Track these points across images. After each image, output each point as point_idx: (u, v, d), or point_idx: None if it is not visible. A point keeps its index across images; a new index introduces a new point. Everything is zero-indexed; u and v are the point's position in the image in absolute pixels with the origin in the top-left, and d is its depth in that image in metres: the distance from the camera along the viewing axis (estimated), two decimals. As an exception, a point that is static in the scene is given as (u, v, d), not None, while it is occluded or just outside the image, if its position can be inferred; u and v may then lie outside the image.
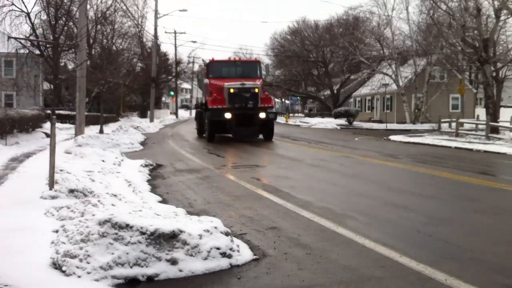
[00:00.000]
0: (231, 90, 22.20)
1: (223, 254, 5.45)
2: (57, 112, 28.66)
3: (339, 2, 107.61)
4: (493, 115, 27.05)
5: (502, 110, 33.51)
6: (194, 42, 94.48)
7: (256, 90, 22.43)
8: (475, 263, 5.45)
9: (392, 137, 27.16)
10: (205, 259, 5.36)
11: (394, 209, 8.40)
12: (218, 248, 5.47)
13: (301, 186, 10.59)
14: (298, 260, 5.57)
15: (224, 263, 5.39)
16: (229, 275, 5.19)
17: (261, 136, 23.79)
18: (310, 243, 6.23)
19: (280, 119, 51.61)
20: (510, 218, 7.78)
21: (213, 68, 24.64)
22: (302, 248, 6.03)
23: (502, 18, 29.03)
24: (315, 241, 6.35)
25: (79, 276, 4.91)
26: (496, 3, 27.36)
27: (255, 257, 5.66)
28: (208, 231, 5.65)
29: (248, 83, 22.65)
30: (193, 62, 77.26)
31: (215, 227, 5.81)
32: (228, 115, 21.88)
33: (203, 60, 26.02)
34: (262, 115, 22.46)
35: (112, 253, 5.12)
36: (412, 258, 5.51)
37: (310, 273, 5.17)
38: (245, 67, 25.49)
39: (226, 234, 5.81)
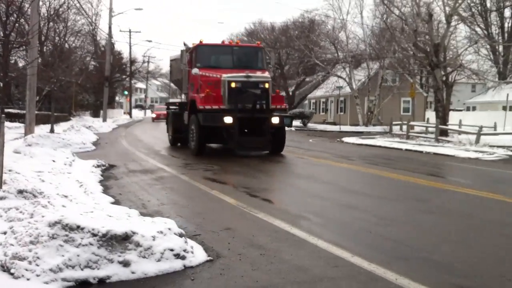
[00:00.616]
0: (233, 85, 16.26)
1: (177, 256, 5.42)
2: (6, 110, 27.89)
3: (295, 5, 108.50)
4: (442, 118, 27.79)
5: (451, 113, 34.50)
6: (149, 41, 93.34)
7: (267, 86, 16.52)
8: (424, 263, 5.58)
9: (346, 139, 27.57)
10: (159, 260, 5.31)
11: (347, 209, 8.53)
12: (171, 250, 5.43)
13: (257, 187, 10.62)
14: (252, 261, 5.58)
15: (177, 264, 5.35)
16: (182, 276, 5.16)
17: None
18: (264, 244, 6.26)
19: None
20: (458, 218, 8.01)
21: (202, 54, 18.19)
22: (256, 248, 6.05)
23: (453, 24, 29.89)
24: (269, 241, 6.38)
25: (28, 279, 4.79)
26: (447, 9, 28.14)
27: (209, 258, 5.64)
28: (161, 232, 5.60)
29: (256, 75, 16.82)
30: (148, 62, 76.61)
31: (169, 228, 5.76)
32: (228, 120, 15.76)
33: (185, 44, 19.22)
34: (275, 120, 16.46)
35: (63, 255, 5.01)
36: (364, 258, 5.61)
37: (264, 274, 5.19)
38: (245, 54, 19.06)
39: (180, 235, 5.77)
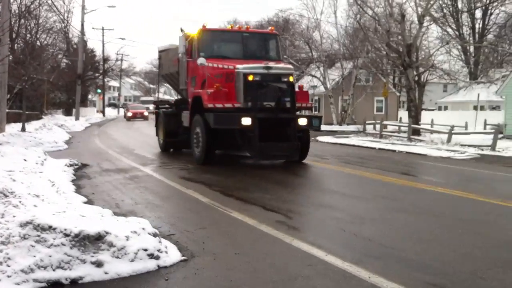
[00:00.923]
0: (251, 78, 13.27)
1: (151, 256, 5.38)
2: (-25, 108, 27.32)
3: (272, 4, 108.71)
4: (415, 117, 28.13)
5: (423, 113, 34.97)
6: (122, 39, 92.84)
7: (291, 79, 13.80)
8: (397, 261, 5.64)
9: (320, 138, 27.69)
10: (132, 261, 5.27)
11: (321, 208, 8.58)
12: (145, 250, 5.40)
13: (237, 187, 10.62)
14: (227, 260, 5.58)
15: (151, 264, 5.31)
16: (156, 276, 5.13)
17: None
18: (239, 243, 6.26)
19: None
20: (430, 217, 8.12)
21: (206, 41, 15.13)
22: (231, 248, 6.05)
23: (425, 24, 30.27)
24: (244, 241, 6.38)
25: (-2, 280, 4.71)
26: (419, 10, 28.46)
27: (183, 258, 5.62)
28: (135, 232, 5.56)
29: (277, 67, 14.00)
30: (121, 60, 75.94)
31: (143, 228, 5.73)
32: (247, 121, 12.85)
33: (182, 30, 15.97)
34: (303, 121, 13.78)
35: (34, 256, 4.94)
36: (338, 257, 5.65)
37: (239, 273, 5.18)
38: (258, 42, 16.06)
39: (154, 235, 5.73)
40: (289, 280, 5.00)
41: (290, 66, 15.60)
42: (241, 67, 13.47)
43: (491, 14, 52.93)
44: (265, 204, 8.72)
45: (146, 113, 53.86)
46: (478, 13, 52.69)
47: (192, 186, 10.43)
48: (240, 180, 11.59)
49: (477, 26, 53.79)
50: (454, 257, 5.80)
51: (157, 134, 18.94)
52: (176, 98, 23.37)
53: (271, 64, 13.69)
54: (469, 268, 5.41)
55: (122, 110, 69.59)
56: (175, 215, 7.76)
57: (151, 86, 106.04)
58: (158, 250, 5.48)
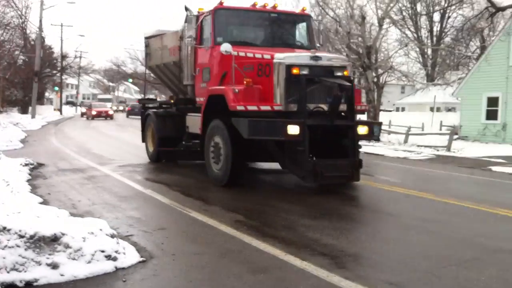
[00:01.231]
0: (296, 71, 9.86)
1: (108, 257, 5.31)
2: None
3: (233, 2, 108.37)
4: (373, 118, 28.55)
5: (381, 114, 35.52)
6: (82, 36, 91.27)
7: (346, 73, 10.40)
8: (355, 260, 5.72)
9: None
10: (89, 262, 5.19)
11: (279, 211, 8.61)
12: (102, 251, 5.32)
13: (197, 187, 10.57)
14: (185, 261, 5.56)
15: (109, 266, 5.24)
16: (114, 278, 5.07)
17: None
18: (199, 244, 6.24)
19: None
20: (387, 216, 8.26)
21: (223, 23, 11.81)
22: (190, 248, 6.03)
23: (385, 26, 30.76)
24: (203, 240, 6.37)
25: None
26: (379, 12, 28.92)
27: (142, 259, 5.56)
28: (92, 233, 5.48)
29: (328, 56, 10.73)
30: (80, 57, 74.69)
31: (100, 229, 5.64)
32: (294, 130, 9.40)
33: (187, 9, 12.06)
34: (363, 129, 10.31)
35: (-13, 258, 4.81)
36: (297, 256, 5.69)
37: (197, 274, 5.17)
38: (288, 26, 12.66)
39: (112, 236, 5.66)
40: (249, 274, 5.02)
41: (343, 56, 11.85)
42: (282, 56, 10.05)
43: (448, 17, 54.32)
44: (224, 204, 8.71)
45: (111, 112, 52.48)
46: (436, 16, 54.00)
47: (151, 186, 10.34)
48: (200, 180, 11.52)
49: (435, 29, 55.06)
50: (410, 256, 5.91)
51: (144, 140, 15.53)
52: (149, 97, 20.06)
53: (320, 53, 10.41)
54: (425, 267, 5.53)
55: (80, 109, 68.13)
56: (133, 216, 7.67)
57: (111, 84, 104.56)
58: (116, 251, 5.42)
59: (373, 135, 10.66)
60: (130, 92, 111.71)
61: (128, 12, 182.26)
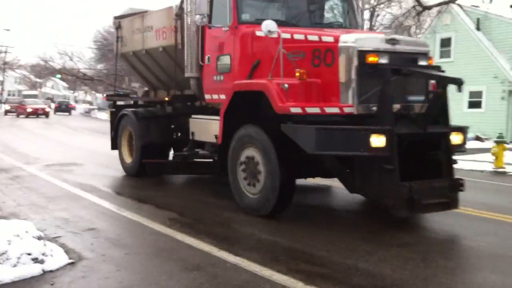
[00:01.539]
0: (373, 59, 6.97)
1: (35, 260, 5.14)
2: None
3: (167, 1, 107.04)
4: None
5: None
6: (7, 30, 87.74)
7: (430, 62, 7.77)
8: (284, 252, 5.81)
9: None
10: (15, 266, 5.00)
11: (213, 208, 8.61)
12: (29, 254, 5.14)
13: (131, 185, 10.38)
14: (116, 261, 5.46)
15: (36, 269, 5.07)
16: (41, 281, 4.91)
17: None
18: (130, 243, 6.16)
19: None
20: (318, 210, 8.42)
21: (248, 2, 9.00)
22: (121, 248, 5.93)
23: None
24: (135, 241, 6.28)
25: None
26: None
27: (70, 261, 5.41)
28: (18, 235, 5.28)
29: (407, 40, 7.80)
30: (5, 52, 71.86)
31: (26, 231, 5.44)
32: (379, 142, 6.57)
33: None
34: (458, 138, 7.68)
35: None
36: (230, 252, 5.73)
37: (128, 274, 5.10)
38: (327, 2, 9.93)
39: (39, 238, 5.48)
40: (180, 273, 5.00)
41: (423, 40, 9.32)
42: (351, 38, 7.18)
43: (377, 15, 55.79)
44: (157, 202, 8.62)
45: (48, 109, 49.80)
46: (366, 14, 55.34)
47: (80, 186, 10.06)
48: (134, 179, 11.30)
49: (365, 27, 56.39)
50: (338, 249, 6.05)
51: (119, 147, 12.11)
52: (119, 92, 15.63)
53: (396, 36, 7.68)
54: (350, 259, 5.67)
55: (3, 106, 65.13)
56: (61, 217, 7.44)
57: (38, 80, 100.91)
58: (43, 254, 5.24)
59: (464, 145, 8.04)
60: (58, 89, 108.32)
61: (62, 7, 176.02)
